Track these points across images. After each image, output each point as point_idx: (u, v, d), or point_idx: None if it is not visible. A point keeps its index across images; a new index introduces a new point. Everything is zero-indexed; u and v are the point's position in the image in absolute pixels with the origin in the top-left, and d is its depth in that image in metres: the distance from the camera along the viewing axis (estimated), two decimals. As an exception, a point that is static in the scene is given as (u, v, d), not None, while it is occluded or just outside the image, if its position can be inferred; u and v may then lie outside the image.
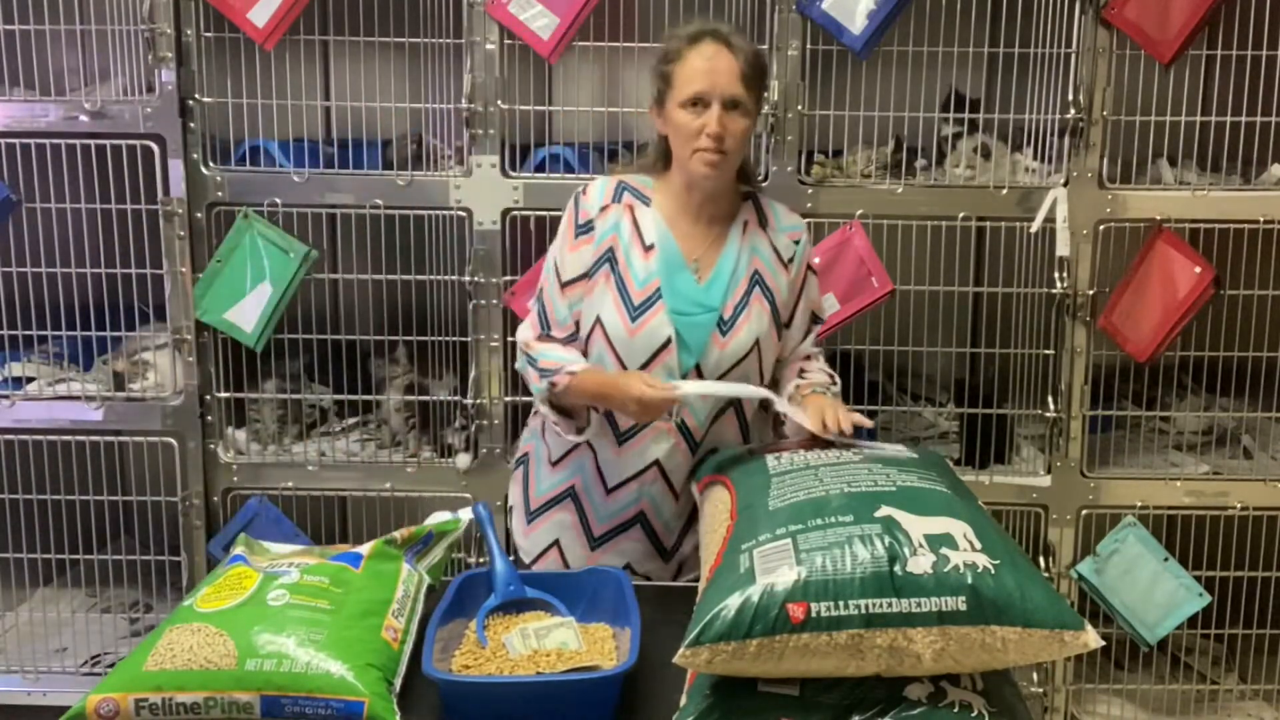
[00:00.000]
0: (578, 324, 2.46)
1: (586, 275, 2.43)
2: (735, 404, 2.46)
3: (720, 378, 2.40)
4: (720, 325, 2.40)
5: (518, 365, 2.54)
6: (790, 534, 1.74)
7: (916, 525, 1.73)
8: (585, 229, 2.44)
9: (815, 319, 2.58)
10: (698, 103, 2.32)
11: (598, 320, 2.41)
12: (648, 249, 2.42)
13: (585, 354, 2.45)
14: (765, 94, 2.45)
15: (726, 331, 2.40)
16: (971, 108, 3.31)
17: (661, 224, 2.44)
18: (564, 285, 2.46)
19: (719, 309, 2.41)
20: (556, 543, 2.56)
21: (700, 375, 2.40)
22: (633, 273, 2.40)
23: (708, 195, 2.43)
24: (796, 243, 2.50)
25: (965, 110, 3.30)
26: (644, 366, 2.38)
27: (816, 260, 2.62)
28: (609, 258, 2.42)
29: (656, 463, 2.45)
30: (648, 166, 2.52)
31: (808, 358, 2.56)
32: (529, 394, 3.28)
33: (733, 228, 2.46)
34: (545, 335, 2.49)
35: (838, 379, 2.53)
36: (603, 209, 2.45)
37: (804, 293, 2.53)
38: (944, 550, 1.69)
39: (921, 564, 1.67)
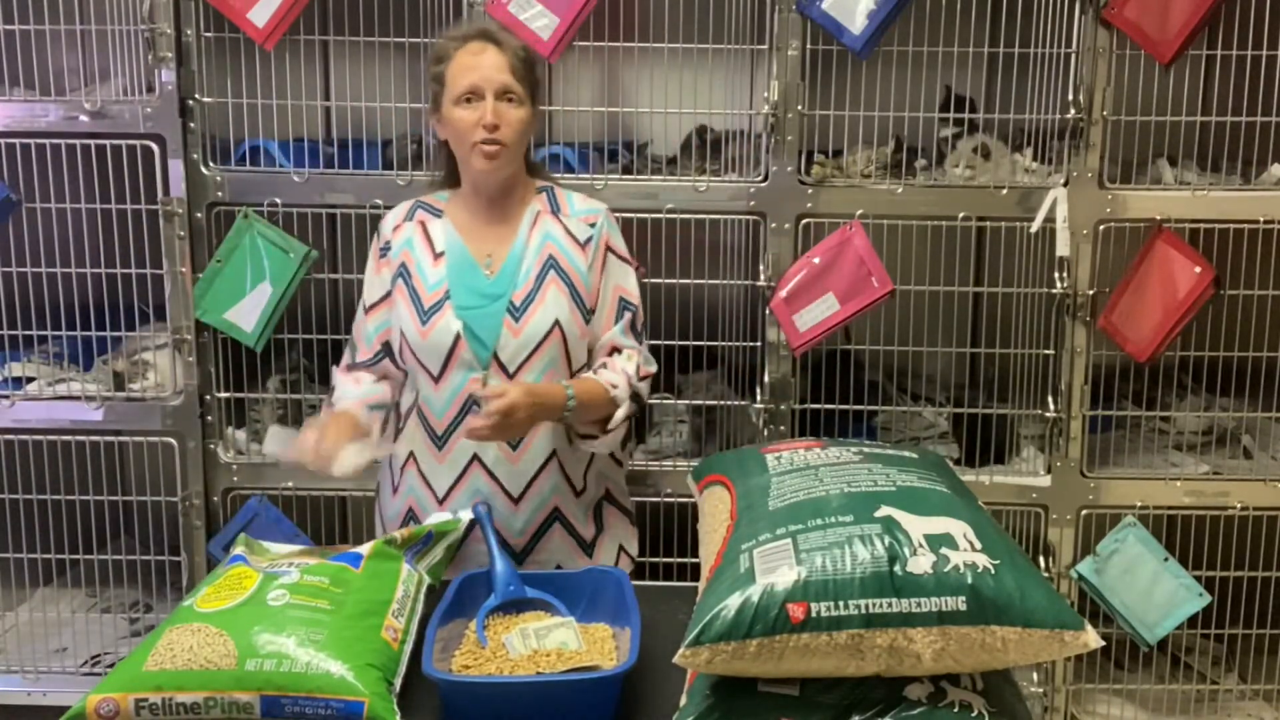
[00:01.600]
0: (386, 346, 2.56)
1: (388, 294, 2.54)
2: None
3: (523, 363, 2.44)
4: (511, 311, 2.45)
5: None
6: (790, 534, 1.75)
7: (916, 525, 1.73)
8: (384, 251, 2.56)
9: (626, 305, 2.57)
10: (471, 98, 2.40)
11: (401, 333, 2.50)
12: (438, 256, 2.50)
13: (401, 368, 2.56)
14: (538, 89, 2.52)
15: (519, 317, 2.44)
16: (969, 108, 3.30)
17: (452, 231, 2.53)
18: (369, 309, 2.58)
19: (507, 296, 2.46)
20: None
21: (500, 364, 2.45)
22: (424, 280, 2.49)
23: (495, 194, 2.51)
24: (592, 225, 2.54)
25: (964, 110, 3.30)
26: (444, 366, 2.45)
27: (623, 247, 2.62)
28: (402, 272, 2.51)
29: (476, 457, 2.47)
30: (440, 183, 2.63)
31: (615, 350, 2.56)
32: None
33: (522, 219, 2.52)
34: (352, 365, 2.61)
35: (635, 386, 2.51)
36: (395, 228, 2.56)
37: (606, 277, 2.55)
38: (944, 550, 1.69)
39: (921, 564, 1.67)
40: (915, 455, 2.04)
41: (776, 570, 1.68)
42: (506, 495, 2.48)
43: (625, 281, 2.58)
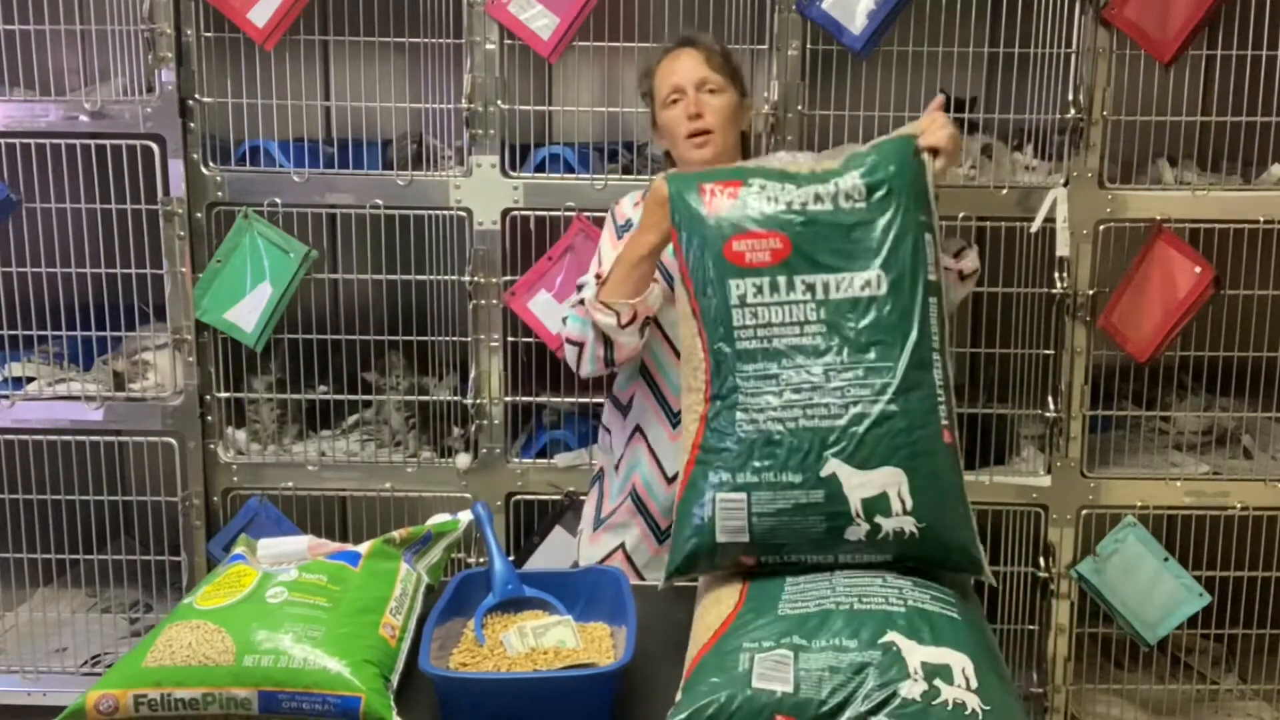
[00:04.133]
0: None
1: None
2: None
3: None
4: None
5: (569, 331, 2.43)
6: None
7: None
8: (625, 228, 2.54)
9: None
10: (675, 97, 2.50)
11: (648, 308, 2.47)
12: None
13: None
14: (739, 77, 2.57)
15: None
16: (959, 107, 3.30)
17: None
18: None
19: None
20: (621, 546, 2.61)
21: None
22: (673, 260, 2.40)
23: None
24: None
25: (961, 111, 3.29)
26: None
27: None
28: None
29: (645, 441, 2.53)
30: None
31: None
32: (529, 394, 3.32)
33: None
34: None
35: None
36: (636, 205, 2.56)
37: None
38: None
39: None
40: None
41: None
42: (660, 471, 2.54)
43: None
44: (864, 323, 1.95)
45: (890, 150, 2.05)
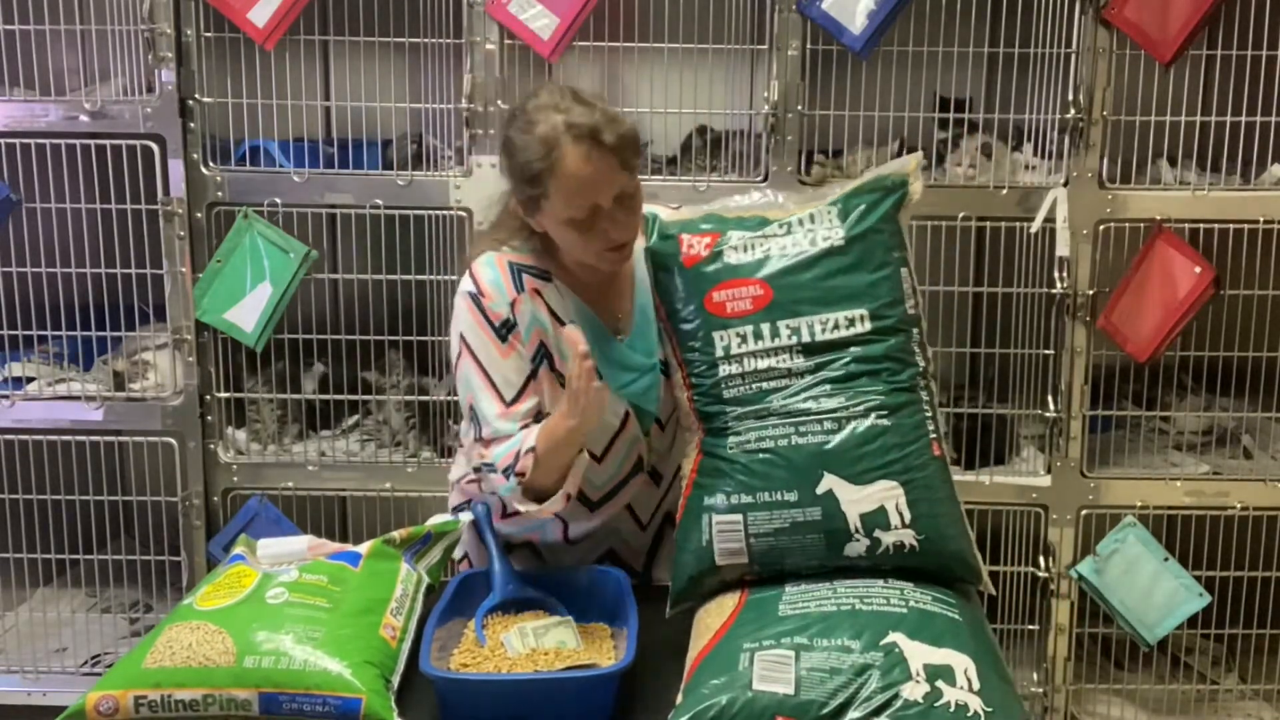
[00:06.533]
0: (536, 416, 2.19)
1: (532, 376, 2.19)
2: (676, 420, 2.29)
3: (671, 412, 2.27)
4: (665, 371, 2.24)
5: (485, 489, 2.23)
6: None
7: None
8: (506, 329, 2.16)
9: None
10: (589, 217, 2.08)
11: None
12: None
13: None
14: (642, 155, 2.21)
15: (671, 374, 2.17)
16: (959, 108, 3.30)
17: (572, 296, 2.23)
18: (512, 402, 2.16)
19: (654, 359, 2.26)
20: None
21: (662, 428, 2.30)
22: (567, 363, 2.10)
23: None
24: None
25: (958, 112, 3.29)
26: (610, 445, 2.24)
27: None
28: (544, 353, 2.19)
29: (627, 506, 2.36)
30: (519, 238, 2.24)
31: None
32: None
33: (636, 268, 2.24)
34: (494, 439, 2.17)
35: None
36: (511, 304, 2.17)
37: None
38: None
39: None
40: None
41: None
42: (638, 523, 2.40)
43: None
44: (849, 361, 2.00)
45: (873, 204, 2.07)
